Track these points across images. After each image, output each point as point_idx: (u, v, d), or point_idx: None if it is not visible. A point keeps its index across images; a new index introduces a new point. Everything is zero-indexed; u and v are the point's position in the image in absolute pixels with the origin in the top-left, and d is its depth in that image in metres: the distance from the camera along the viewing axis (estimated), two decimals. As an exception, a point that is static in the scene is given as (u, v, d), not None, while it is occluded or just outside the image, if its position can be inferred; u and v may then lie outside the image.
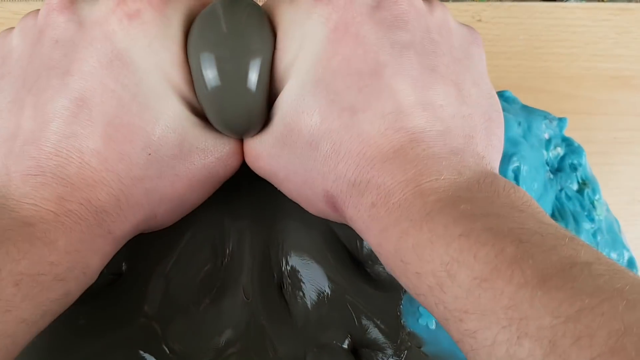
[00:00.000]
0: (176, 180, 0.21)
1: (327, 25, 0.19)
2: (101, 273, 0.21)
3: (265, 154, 0.22)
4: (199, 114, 0.21)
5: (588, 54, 0.35)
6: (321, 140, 0.19)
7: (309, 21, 0.20)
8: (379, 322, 0.24)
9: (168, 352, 0.24)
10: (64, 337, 0.23)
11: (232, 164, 0.23)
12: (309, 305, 0.25)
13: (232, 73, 0.20)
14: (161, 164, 0.20)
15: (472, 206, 0.17)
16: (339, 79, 0.19)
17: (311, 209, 0.23)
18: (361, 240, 0.25)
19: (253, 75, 0.20)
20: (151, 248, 0.25)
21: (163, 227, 0.23)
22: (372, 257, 0.25)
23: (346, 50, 0.19)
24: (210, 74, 0.20)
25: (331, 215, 0.22)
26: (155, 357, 0.24)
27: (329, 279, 0.25)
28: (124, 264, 0.25)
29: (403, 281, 0.18)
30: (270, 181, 0.23)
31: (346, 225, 0.23)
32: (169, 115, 0.20)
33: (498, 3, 0.35)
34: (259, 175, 0.23)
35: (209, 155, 0.22)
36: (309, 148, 0.20)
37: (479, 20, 0.35)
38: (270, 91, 0.21)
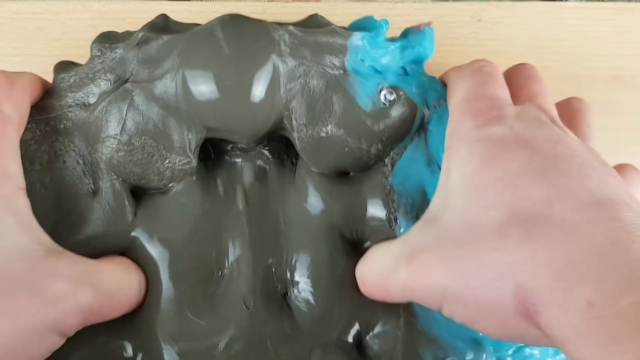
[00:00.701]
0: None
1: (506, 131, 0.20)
2: None
3: (437, 262, 0.20)
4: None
5: (588, 54, 0.35)
6: (512, 230, 0.18)
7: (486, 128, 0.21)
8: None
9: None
10: None
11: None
12: (315, 308, 0.25)
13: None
14: None
15: None
16: (524, 178, 0.19)
17: (493, 324, 0.19)
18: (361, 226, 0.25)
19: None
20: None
21: None
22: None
23: (523, 153, 0.19)
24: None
25: (519, 329, 0.19)
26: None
27: (335, 278, 0.25)
28: None
29: None
30: (435, 300, 0.21)
31: (348, 218, 0.23)
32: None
33: (498, 3, 0.35)
34: (419, 296, 0.21)
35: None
36: (497, 240, 0.18)
37: (479, 20, 0.35)
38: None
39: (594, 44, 0.35)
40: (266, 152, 0.27)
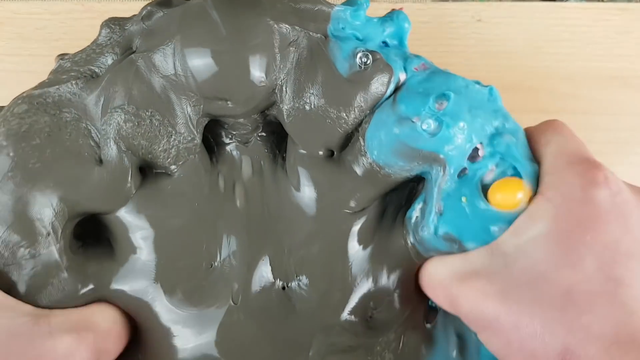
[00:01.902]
0: None
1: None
2: None
3: (497, 293, 0.21)
4: None
5: (588, 54, 0.35)
6: (578, 298, 0.19)
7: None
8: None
9: None
10: None
11: None
12: (319, 294, 0.26)
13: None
14: None
15: None
16: (607, 253, 0.20)
17: None
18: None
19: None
20: None
21: None
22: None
23: (617, 229, 0.20)
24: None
25: None
26: None
27: (338, 263, 0.26)
28: None
29: None
30: (480, 325, 0.22)
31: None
32: None
33: (498, 3, 0.35)
34: (464, 313, 0.22)
35: None
36: (561, 300, 0.20)
37: (479, 20, 0.35)
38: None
39: (594, 44, 0.35)
40: (260, 144, 0.27)
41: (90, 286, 0.24)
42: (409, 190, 0.27)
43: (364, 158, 0.25)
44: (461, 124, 0.23)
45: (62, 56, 0.26)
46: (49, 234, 0.23)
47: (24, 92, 0.25)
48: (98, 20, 0.28)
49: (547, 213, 0.21)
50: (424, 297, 0.27)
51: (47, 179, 0.23)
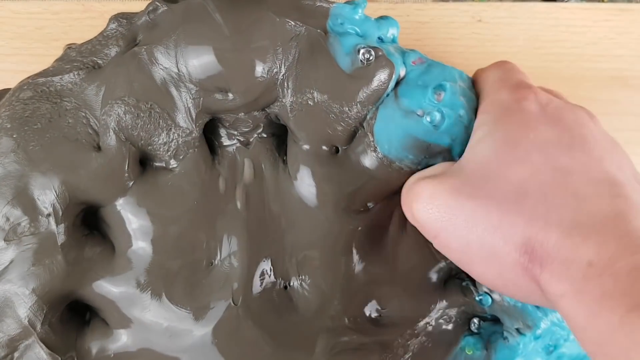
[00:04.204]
0: None
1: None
2: None
3: (459, 185, 0.21)
4: None
5: (588, 54, 0.35)
6: (530, 190, 0.20)
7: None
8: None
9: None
10: None
11: None
12: (322, 294, 0.26)
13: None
14: None
15: None
16: (552, 147, 0.21)
17: (490, 271, 0.21)
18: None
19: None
20: None
21: None
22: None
23: (555, 128, 0.22)
24: None
25: (516, 281, 0.20)
26: None
27: (342, 262, 0.26)
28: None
29: None
30: (434, 229, 0.22)
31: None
32: None
33: (498, 3, 0.35)
34: (423, 220, 0.22)
35: None
36: (516, 193, 0.20)
37: (479, 21, 0.35)
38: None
39: (594, 44, 0.35)
40: (261, 146, 0.27)
41: (78, 275, 0.25)
42: None
43: (374, 153, 0.25)
44: (461, 112, 0.24)
45: (70, 46, 0.27)
46: (49, 215, 0.24)
47: (29, 77, 0.26)
48: (98, 20, 0.28)
49: (488, 119, 0.23)
50: (436, 299, 0.27)
51: (46, 162, 0.24)
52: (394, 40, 0.27)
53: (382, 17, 0.27)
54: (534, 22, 0.35)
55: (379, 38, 0.27)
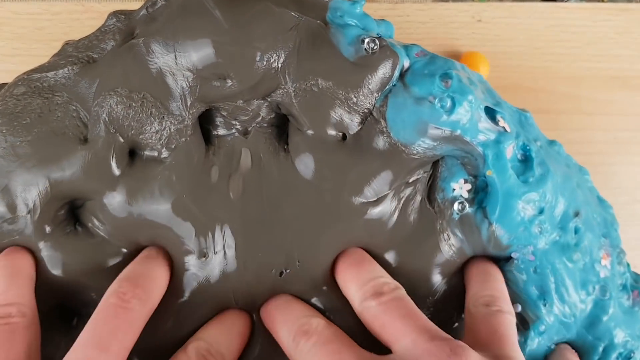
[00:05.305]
0: None
1: None
2: None
3: None
4: None
5: (588, 54, 0.35)
6: None
7: None
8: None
9: None
10: None
11: None
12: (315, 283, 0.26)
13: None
14: None
15: None
16: None
17: None
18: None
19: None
20: None
21: None
22: None
23: None
24: None
25: None
26: None
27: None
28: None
29: None
30: None
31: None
32: None
33: (498, 3, 0.35)
34: None
35: None
36: None
37: (479, 21, 0.35)
38: None
39: (594, 44, 0.35)
40: (260, 135, 0.27)
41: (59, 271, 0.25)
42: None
43: (387, 138, 0.25)
44: (470, 97, 0.24)
45: (68, 42, 0.27)
46: (30, 212, 0.24)
47: (25, 73, 0.26)
48: (98, 21, 0.28)
49: None
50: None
51: (32, 158, 0.24)
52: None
53: (380, 20, 0.28)
54: (534, 22, 0.35)
55: (377, 34, 0.27)
